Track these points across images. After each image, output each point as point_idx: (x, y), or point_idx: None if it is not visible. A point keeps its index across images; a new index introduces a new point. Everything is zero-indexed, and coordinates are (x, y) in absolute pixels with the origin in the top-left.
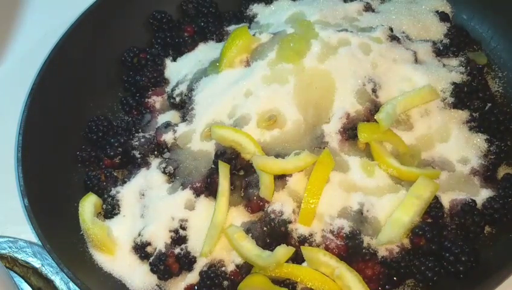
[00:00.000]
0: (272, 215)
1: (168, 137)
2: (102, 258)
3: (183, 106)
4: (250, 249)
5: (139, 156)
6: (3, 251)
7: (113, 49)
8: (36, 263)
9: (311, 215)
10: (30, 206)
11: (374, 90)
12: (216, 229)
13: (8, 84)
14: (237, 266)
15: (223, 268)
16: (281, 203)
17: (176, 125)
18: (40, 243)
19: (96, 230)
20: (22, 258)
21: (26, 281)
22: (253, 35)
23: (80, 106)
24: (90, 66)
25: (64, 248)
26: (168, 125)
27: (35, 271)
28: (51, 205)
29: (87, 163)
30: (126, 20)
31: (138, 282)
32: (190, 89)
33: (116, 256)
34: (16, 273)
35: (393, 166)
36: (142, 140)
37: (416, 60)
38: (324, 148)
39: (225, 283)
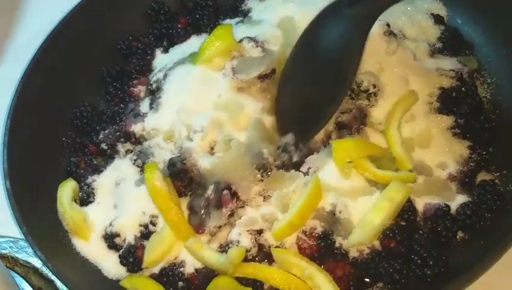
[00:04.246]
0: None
1: (137, 128)
2: (79, 244)
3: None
4: (210, 256)
5: (105, 147)
6: (4, 251)
7: (108, 39)
8: (37, 263)
9: (287, 235)
10: (12, 189)
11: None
12: (161, 243)
13: (7, 84)
14: (196, 270)
15: (182, 269)
16: None
17: (145, 115)
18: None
19: (72, 214)
20: (23, 258)
21: (27, 281)
22: (242, 39)
23: (71, 93)
24: (84, 55)
25: (42, 232)
26: (137, 115)
27: (36, 271)
28: (33, 189)
29: (72, 149)
30: (123, 11)
31: (112, 269)
32: (165, 76)
33: (90, 242)
34: (17, 273)
35: (369, 169)
36: (107, 131)
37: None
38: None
39: (180, 283)
